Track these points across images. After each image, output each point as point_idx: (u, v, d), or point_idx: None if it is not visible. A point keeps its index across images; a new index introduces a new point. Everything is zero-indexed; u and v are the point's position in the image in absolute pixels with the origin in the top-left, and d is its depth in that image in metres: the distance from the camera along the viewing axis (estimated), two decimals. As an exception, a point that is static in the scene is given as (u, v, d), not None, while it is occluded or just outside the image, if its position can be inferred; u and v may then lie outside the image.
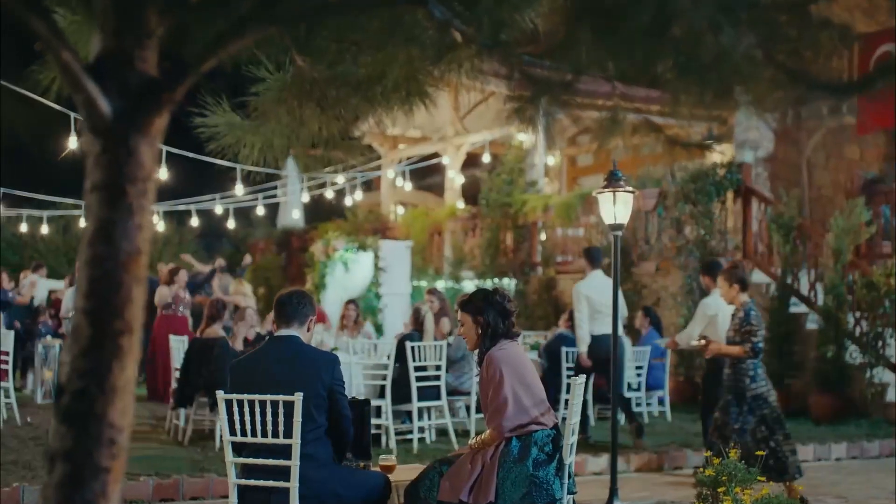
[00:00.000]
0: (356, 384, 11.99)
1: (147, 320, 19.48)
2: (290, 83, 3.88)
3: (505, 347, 6.44)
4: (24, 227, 25.47)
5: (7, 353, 13.85)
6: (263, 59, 3.88)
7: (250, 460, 5.94)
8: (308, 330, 6.35)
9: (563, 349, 14.10)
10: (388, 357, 12.27)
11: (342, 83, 3.70)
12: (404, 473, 6.60)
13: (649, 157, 25.05)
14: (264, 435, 5.84)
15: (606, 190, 8.76)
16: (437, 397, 12.25)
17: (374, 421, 12.05)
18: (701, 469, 7.94)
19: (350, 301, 16.60)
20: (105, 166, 2.40)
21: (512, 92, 4.11)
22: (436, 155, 24.83)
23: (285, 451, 5.82)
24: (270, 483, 5.82)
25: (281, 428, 5.81)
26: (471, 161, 24.93)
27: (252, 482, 5.90)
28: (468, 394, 12.77)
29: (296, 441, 5.73)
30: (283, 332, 6.31)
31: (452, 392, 12.81)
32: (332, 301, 21.75)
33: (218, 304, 12.68)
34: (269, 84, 3.98)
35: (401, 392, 12.07)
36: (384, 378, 11.96)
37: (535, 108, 3.63)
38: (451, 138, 24.23)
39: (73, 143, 13.23)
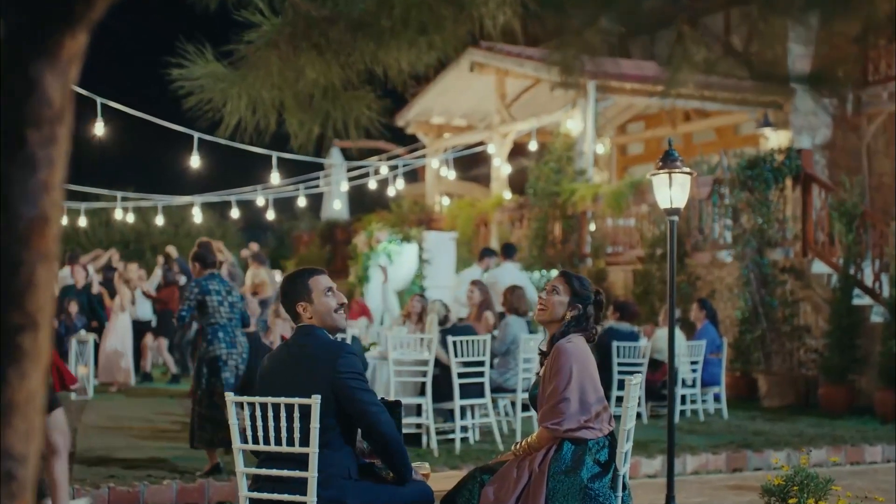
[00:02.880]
0: (395, 381, 11.35)
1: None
2: (283, 24, 3.23)
3: (573, 341, 5.79)
4: (63, 220, 25.02)
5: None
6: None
7: (262, 471, 5.31)
8: (304, 319, 5.52)
9: (614, 343, 13.46)
10: (430, 353, 11.62)
11: (344, 20, 3.04)
12: (440, 482, 5.95)
13: (702, 146, 24.36)
14: (277, 443, 5.19)
15: (661, 171, 8.04)
16: (481, 395, 11.59)
17: (414, 420, 11.48)
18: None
19: (419, 294, 15.89)
20: (-4, 103, 1.77)
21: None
22: (481, 143, 24.17)
23: (297, 461, 5.17)
24: (285, 497, 5.17)
25: (295, 434, 5.16)
26: (518, 151, 24.26)
27: (265, 495, 5.25)
28: (513, 391, 12.11)
29: (313, 450, 5.08)
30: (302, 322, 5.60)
31: (497, 389, 12.17)
32: (375, 294, 21.20)
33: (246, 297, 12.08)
34: (261, 30, 3.33)
35: (442, 389, 11.42)
36: (424, 375, 11.32)
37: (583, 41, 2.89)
38: (497, 126, 23.57)
39: (99, 129, 12.65)
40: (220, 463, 9.79)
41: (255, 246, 22.92)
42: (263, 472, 5.29)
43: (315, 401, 5.06)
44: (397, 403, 5.95)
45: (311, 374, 5.29)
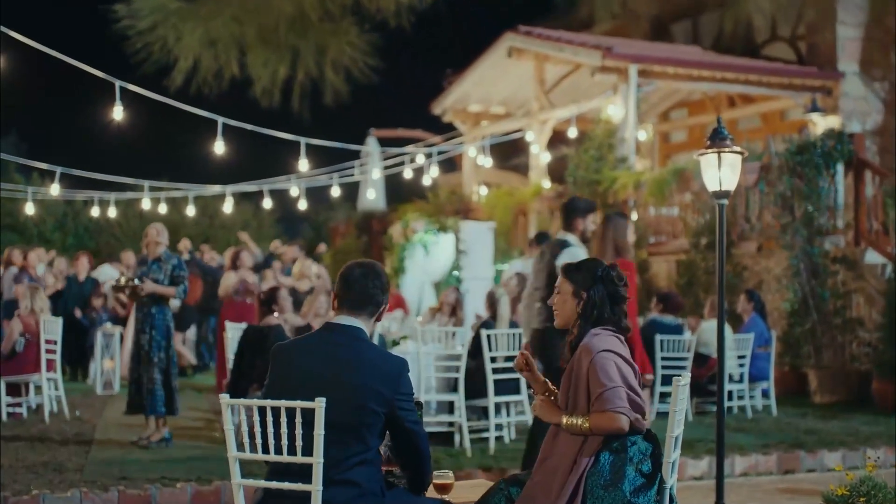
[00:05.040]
0: (426, 377, 10.79)
1: (207, 306, 18.64)
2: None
3: (603, 334, 5.14)
4: (95, 212, 24.47)
5: (54, 342, 12.91)
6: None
7: (263, 483, 4.73)
8: (377, 320, 5.03)
9: (658, 336, 12.87)
10: (463, 347, 11.04)
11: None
12: (464, 492, 5.37)
13: (747, 132, 23.62)
14: (288, 451, 4.59)
15: (710, 151, 7.40)
16: (517, 391, 11.00)
17: (446, 418, 10.95)
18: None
19: (455, 287, 15.28)
20: None
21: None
22: (519, 131, 23.51)
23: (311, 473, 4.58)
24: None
25: (299, 443, 4.58)
26: (557, 138, 23.58)
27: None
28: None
29: (317, 460, 4.49)
30: (344, 319, 4.93)
31: (534, 385, 11.57)
32: (411, 286, 20.67)
33: (272, 292, 11.50)
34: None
35: (476, 385, 10.83)
36: (458, 370, 10.74)
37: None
38: (536, 113, 22.90)
39: (117, 113, 12.11)
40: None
41: (281, 246, 22.42)
42: (285, 486, 4.69)
43: (319, 404, 4.48)
44: (418, 405, 5.38)
45: (369, 387, 4.73)
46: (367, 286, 4.93)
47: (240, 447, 4.78)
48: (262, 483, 4.72)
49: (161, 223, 11.43)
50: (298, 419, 4.58)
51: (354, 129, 27.04)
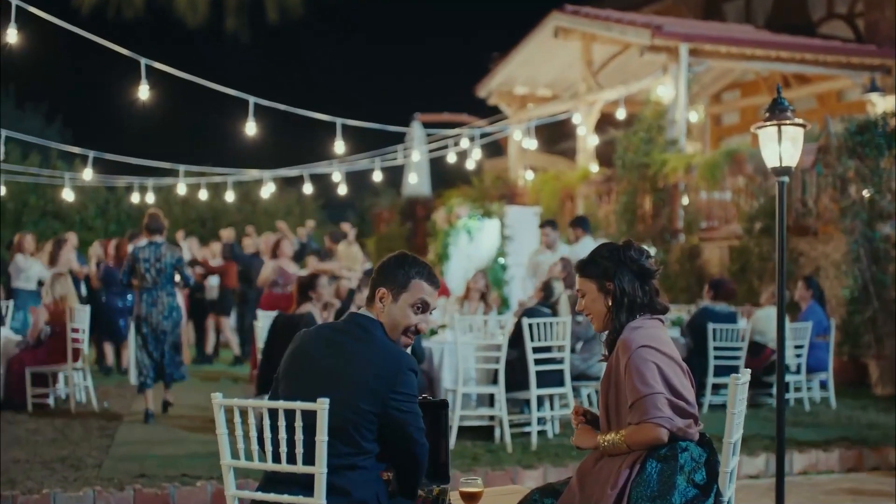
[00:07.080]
0: (465, 368, 10.21)
1: (244, 297, 18.17)
2: None
3: (644, 326, 4.50)
4: (135, 198, 24.00)
5: (81, 331, 12.46)
6: None
7: (259, 495, 4.19)
8: (374, 308, 4.49)
9: (710, 325, 12.25)
10: (503, 336, 10.44)
11: None
12: (493, 500, 4.80)
13: (803, 114, 22.82)
14: (284, 454, 4.06)
15: (769, 123, 6.77)
16: (561, 383, 10.40)
17: (486, 411, 10.39)
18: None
19: (480, 271, 14.64)
20: None
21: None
22: (566, 113, 22.87)
23: (309, 483, 4.03)
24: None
25: (300, 449, 4.04)
26: (605, 121, 22.93)
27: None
28: (598, 379, 10.92)
29: (319, 470, 3.94)
30: (364, 311, 4.53)
31: (579, 376, 11.00)
32: (455, 272, 20.12)
33: (311, 278, 10.94)
34: None
35: (517, 377, 10.25)
36: (498, 361, 10.16)
37: None
38: (583, 95, 22.27)
39: (143, 92, 11.60)
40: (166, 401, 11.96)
41: (346, 226, 21.64)
42: (272, 497, 4.17)
43: (321, 405, 3.92)
44: (443, 404, 4.81)
45: (361, 382, 4.24)
46: (373, 274, 4.59)
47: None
48: (259, 495, 4.18)
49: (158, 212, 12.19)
50: (299, 422, 4.05)
51: (400, 114, 26.47)
